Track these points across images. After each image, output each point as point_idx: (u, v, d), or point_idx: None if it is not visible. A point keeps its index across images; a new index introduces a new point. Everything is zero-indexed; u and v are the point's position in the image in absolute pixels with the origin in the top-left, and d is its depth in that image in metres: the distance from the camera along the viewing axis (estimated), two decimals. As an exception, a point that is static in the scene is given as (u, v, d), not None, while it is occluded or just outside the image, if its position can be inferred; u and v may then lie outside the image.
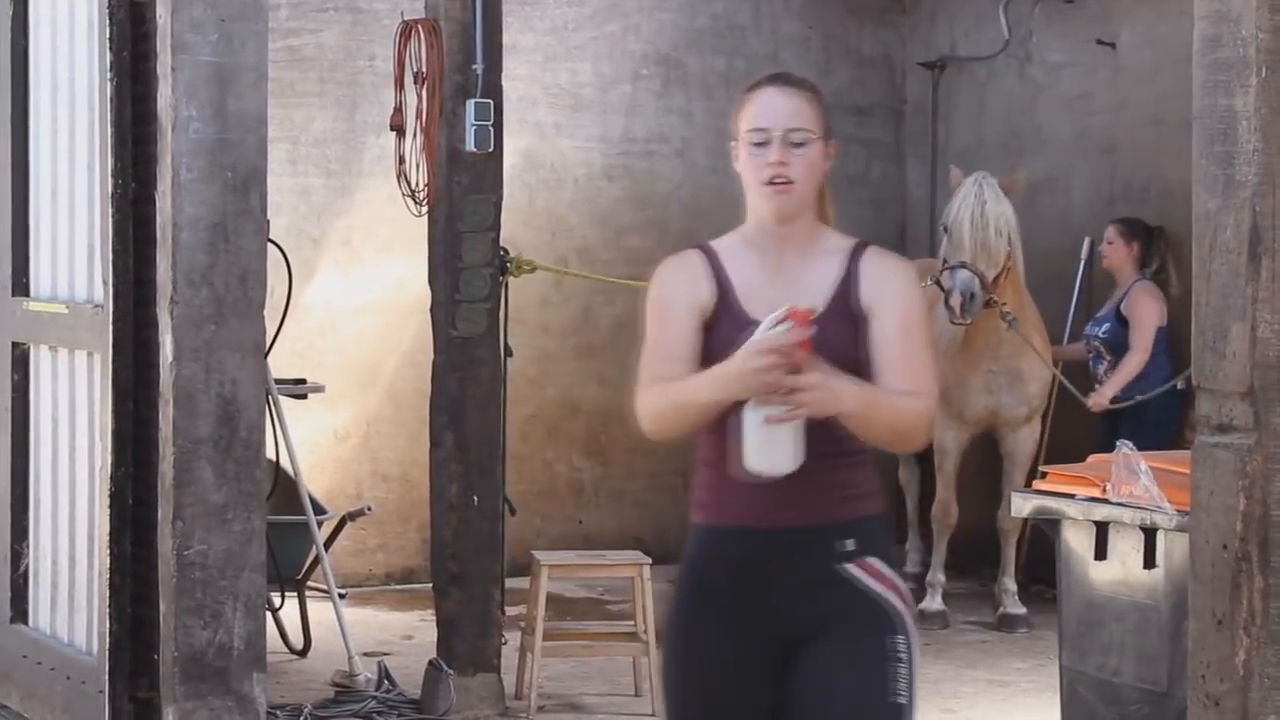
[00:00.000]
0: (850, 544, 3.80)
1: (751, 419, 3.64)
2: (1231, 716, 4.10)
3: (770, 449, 3.64)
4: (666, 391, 3.80)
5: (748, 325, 3.72)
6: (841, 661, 3.77)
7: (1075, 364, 9.70)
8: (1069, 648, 6.11)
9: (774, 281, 3.84)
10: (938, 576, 9.47)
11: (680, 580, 3.92)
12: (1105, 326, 9.48)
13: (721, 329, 3.82)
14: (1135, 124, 10.13)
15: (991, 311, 9.04)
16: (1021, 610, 9.35)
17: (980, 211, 9.09)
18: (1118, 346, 9.40)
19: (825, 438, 3.69)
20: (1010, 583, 9.43)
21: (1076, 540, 6.04)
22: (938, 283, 9.00)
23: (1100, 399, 9.28)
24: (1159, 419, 9.11)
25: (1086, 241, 10.20)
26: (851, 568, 3.80)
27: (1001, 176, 9.27)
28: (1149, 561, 5.74)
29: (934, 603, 9.41)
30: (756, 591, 3.81)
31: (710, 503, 3.89)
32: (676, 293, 3.89)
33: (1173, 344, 9.31)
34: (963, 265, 8.99)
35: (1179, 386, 9.09)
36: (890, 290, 3.83)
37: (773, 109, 3.84)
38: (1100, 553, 5.92)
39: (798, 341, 3.60)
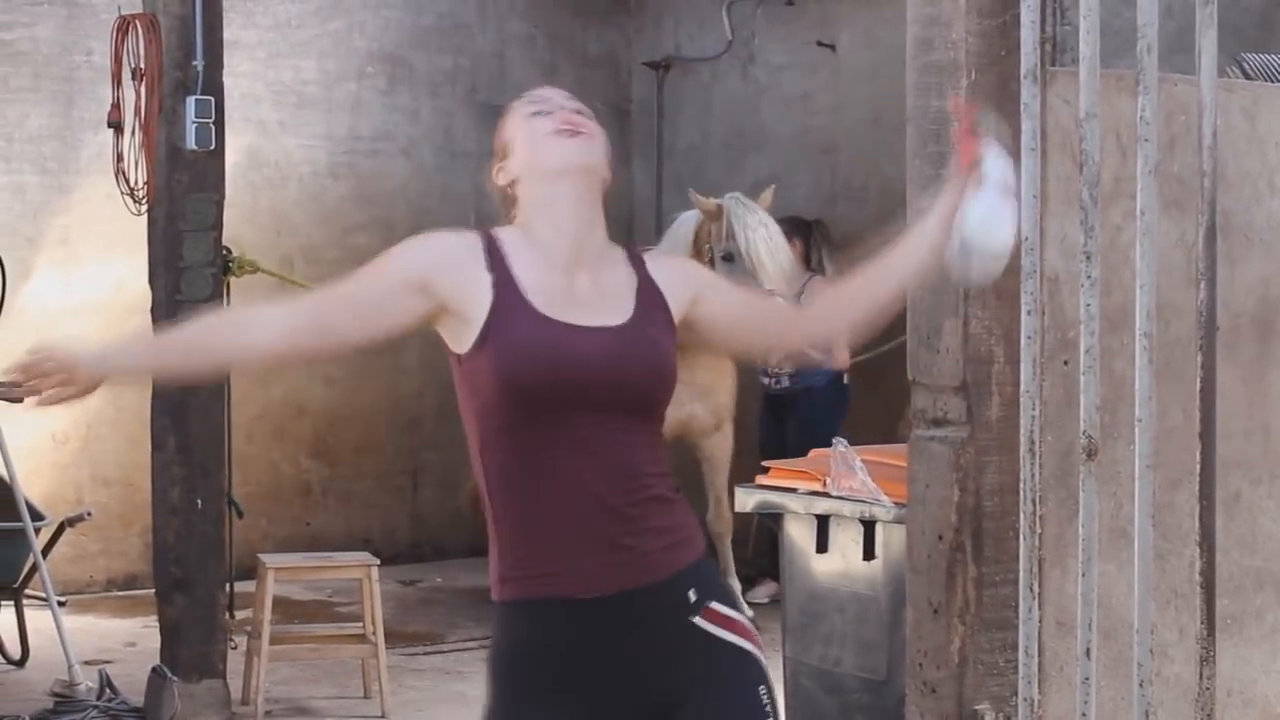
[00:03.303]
0: (693, 594, 3.40)
1: None
2: (948, 703, 4.19)
3: None
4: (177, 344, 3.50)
5: (546, 324, 3.29)
6: None
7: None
8: (792, 639, 6.20)
9: (571, 284, 3.37)
10: None
11: (499, 674, 3.37)
12: None
13: (515, 328, 3.28)
14: (854, 124, 10.32)
15: None
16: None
17: (769, 237, 8.90)
18: None
19: (639, 482, 3.35)
20: (732, 583, 9.51)
21: (799, 533, 6.13)
22: None
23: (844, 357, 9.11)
24: (825, 412, 9.30)
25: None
26: (699, 620, 3.41)
27: (757, 198, 9.09)
28: (868, 553, 5.84)
29: None
30: (603, 671, 3.32)
31: (522, 575, 3.34)
32: (428, 268, 3.31)
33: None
34: (771, 294, 8.85)
35: (845, 381, 9.43)
36: (702, 276, 3.61)
37: (551, 92, 3.57)
38: (821, 545, 6.01)
39: None
